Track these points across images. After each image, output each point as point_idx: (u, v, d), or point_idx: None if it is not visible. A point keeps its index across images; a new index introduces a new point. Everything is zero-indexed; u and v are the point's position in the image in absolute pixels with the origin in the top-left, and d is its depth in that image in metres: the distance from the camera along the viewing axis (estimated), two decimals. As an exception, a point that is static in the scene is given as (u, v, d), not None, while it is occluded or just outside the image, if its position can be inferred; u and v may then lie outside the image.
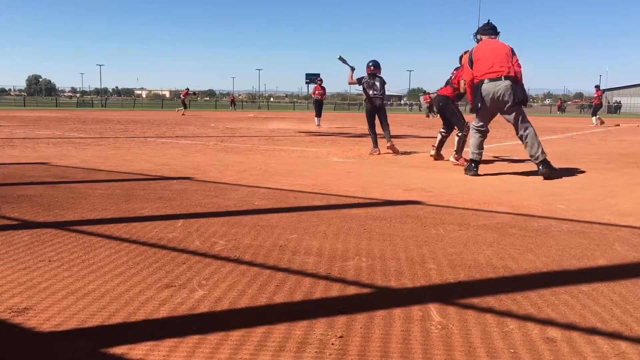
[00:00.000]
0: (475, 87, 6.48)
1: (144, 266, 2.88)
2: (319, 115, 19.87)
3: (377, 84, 9.26)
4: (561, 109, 62.98)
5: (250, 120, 24.99)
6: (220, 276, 2.74)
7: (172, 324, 2.16)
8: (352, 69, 9.56)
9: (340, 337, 2.06)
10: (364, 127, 20.01)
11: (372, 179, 6.21)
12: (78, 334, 2.06)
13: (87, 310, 2.27)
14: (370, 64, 9.40)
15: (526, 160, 7.69)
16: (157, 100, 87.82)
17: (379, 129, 9.33)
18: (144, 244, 3.32)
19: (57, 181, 5.72)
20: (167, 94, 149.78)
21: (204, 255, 3.10)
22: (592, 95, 29.14)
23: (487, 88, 6.35)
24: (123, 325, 2.15)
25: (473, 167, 6.70)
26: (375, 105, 9.30)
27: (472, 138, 6.76)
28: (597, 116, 25.25)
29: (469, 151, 6.77)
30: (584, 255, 3.21)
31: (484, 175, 6.70)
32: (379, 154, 9.16)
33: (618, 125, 25.38)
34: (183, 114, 31.49)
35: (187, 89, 39.54)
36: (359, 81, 9.42)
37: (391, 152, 9.25)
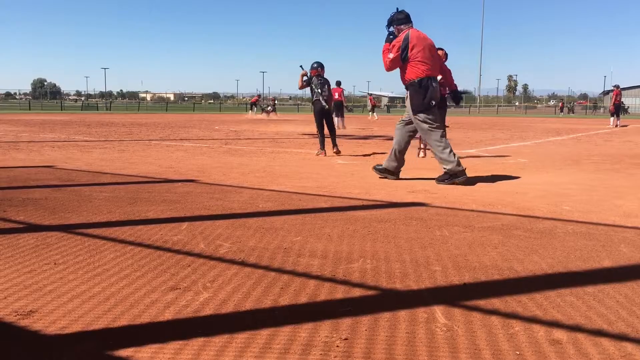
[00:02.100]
0: (421, 84, 6.02)
1: (149, 269, 2.89)
2: (337, 116, 20.52)
3: (325, 86, 9.33)
4: (563, 109, 62.63)
5: (254, 123, 25.02)
6: (225, 278, 2.74)
7: (177, 327, 2.16)
8: (305, 74, 9.51)
9: (345, 339, 2.06)
10: (368, 129, 20.09)
11: (376, 181, 6.20)
12: (83, 336, 2.07)
13: (92, 313, 2.27)
14: (316, 65, 9.40)
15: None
16: (161, 103, 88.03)
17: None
18: (149, 246, 3.32)
19: (62, 184, 5.74)
20: (172, 97, 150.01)
21: (209, 257, 3.11)
22: (597, 97, 28.96)
23: (434, 88, 6.12)
24: (128, 327, 2.15)
25: (463, 171, 5.97)
26: (324, 107, 9.32)
27: (440, 142, 6.05)
28: (619, 117, 24.87)
29: (446, 160, 5.96)
30: (590, 257, 3.20)
31: (488, 176, 6.69)
32: (325, 155, 9.24)
33: (626, 126, 25.22)
34: (267, 115, 33.60)
35: (259, 95, 41.33)
36: (307, 83, 9.43)
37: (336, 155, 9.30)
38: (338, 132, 17.44)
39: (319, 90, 9.27)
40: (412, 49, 5.97)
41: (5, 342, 2.03)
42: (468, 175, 6.00)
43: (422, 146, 9.09)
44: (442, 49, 8.87)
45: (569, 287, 2.67)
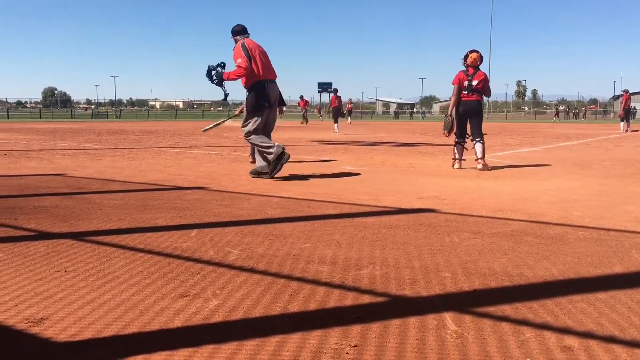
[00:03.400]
0: (259, 86, 6.78)
1: (158, 276, 2.90)
2: (336, 122, 22.02)
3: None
4: (558, 115, 61.98)
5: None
6: (234, 285, 2.74)
7: (187, 334, 2.17)
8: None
9: (355, 346, 2.05)
10: (377, 135, 20.09)
11: (385, 187, 6.20)
12: (94, 344, 2.07)
13: (102, 320, 2.28)
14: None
15: (544, 164, 7.59)
16: (170, 111, 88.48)
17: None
18: (158, 253, 3.33)
19: (72, 192, 5.77)
20: (181, 105, 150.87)
21: (218, 264, 3.11)
22: (607, 102, 29.00)
23: (271, 89, 6.84)
24: (138, 335, 2.16)
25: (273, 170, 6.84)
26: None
27: (264, 141, 6.83)
28: (629, 122, 24.80)
29: (265, 162, 6.88)
30: (601, 263, 3.18)
31: (497, 182, 6.66)
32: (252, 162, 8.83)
33: (636, 131, 25.10)
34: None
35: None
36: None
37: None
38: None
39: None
40: (251, 56, 6.77)
41: (16, 349, 2.05)
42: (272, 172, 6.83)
43: (457, 156, 8.38)
44: (477, 51, 8.31)
45: (580, 293, 2.65)
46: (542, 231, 3.97)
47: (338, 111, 22.36)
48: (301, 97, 40.14)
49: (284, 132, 21.97)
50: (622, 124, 24.97)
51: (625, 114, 24.77)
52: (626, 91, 25.05)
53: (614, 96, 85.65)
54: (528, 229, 4.05)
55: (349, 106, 43.79)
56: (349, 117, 41.15)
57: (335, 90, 23.00)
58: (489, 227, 4.11)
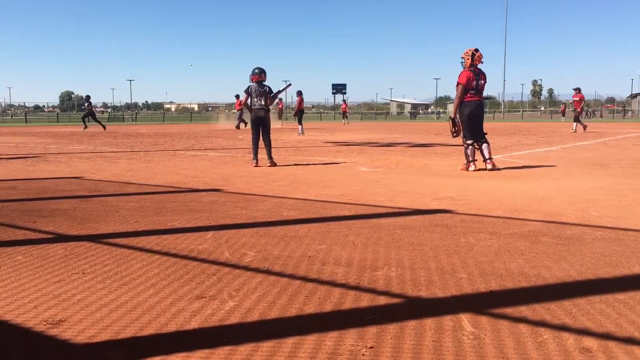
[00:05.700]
0: None
1: (175, 278, 2.91)
2: (300, 123, 22.54)
3: (263, 97, 8.92)
4: (565, 114, 60.73)
5: (276, 132, 25.12)
6: (250, 287, 2.75)
7: (203, 335, 2.18)
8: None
9: (371, 347, 2.05)
10: (391, 137, 20.05)
11: (401, 188, 6.18)
12: (112, 345, 2.09)
13: (120, 322, 2.30)
14: (257, 71, 8.98)
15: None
16: (185, 114, 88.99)
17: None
18: (175, 255, 3.36)
19: (90, 195, 5.83)
20: (196, 107, 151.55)
21: (234, 266, 3.13)
22: (624, 100, 27.17)
23: None
24: (155, 336, 2.17)
25: None
26: (259, 117, 9.01)
27: None
28: (578, 122, 22.13)
29: None
30: (620, 263, 3.14)
31: (513, 182, 6.62)
32: (256, 165, 8.89)
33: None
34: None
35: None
36: (248, 93, 9.03)
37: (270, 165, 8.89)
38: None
39: (256, 100, 8.96)
40: None
41: (35, 350, 2.07)
42: None
43: (471, 158, 7.97)
44: (479, 50, 8.00)
45: (598, 294, 2.62)
46: (560, 231, 3.94)
47: (302, 113, 23.04)
48: (237, 96, 31.56)
49: (298, 134, 22.00)
50: (575, 124, 22.32)
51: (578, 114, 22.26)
52: (578, 90, 22.50)
53: (631, 94, 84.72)
54: (545, 229, 4.02)
55: (344, 107, 43.20)
56: (346, 119, 40.42)
57: (300, 92, 23.35)
58: (505, 227, 4.09)
